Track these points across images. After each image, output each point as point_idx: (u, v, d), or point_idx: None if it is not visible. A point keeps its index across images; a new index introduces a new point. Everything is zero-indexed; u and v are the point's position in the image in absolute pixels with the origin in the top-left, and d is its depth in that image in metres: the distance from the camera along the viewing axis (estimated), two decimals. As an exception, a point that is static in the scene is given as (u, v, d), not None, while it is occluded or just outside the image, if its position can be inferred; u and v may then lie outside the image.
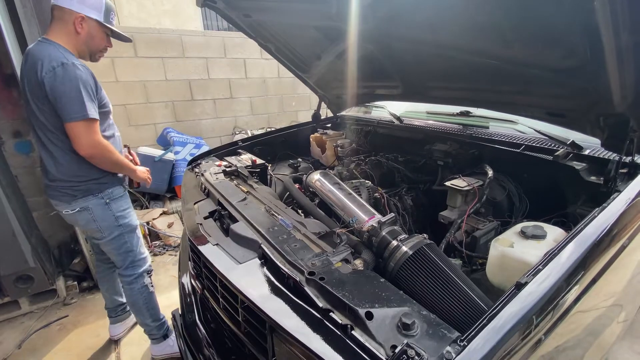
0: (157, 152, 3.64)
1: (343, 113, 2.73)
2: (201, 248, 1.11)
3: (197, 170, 1.85)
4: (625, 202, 0.96)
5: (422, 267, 0.88)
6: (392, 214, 1.05)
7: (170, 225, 3.21)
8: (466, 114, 1.73)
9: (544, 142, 1.44)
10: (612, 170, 1.08)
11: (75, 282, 2.41)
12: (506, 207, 1.40)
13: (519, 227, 0.99)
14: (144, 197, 3.60)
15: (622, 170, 1.17)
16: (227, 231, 1.16)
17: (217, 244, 1.09)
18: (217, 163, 1.86)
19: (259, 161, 1.97)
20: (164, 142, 3.94)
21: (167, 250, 3.00)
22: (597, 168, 1.26)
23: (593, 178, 1.22)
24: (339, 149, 2.30)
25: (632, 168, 1.16)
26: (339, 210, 1.23)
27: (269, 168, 2.00)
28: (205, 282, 1.14)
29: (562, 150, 1.32)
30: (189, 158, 3.88)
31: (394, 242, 0.97)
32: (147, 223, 3.11)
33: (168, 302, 2.32)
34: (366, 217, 1.10)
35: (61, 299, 2.34)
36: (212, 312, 1.29)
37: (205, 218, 1.31)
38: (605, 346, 1.05)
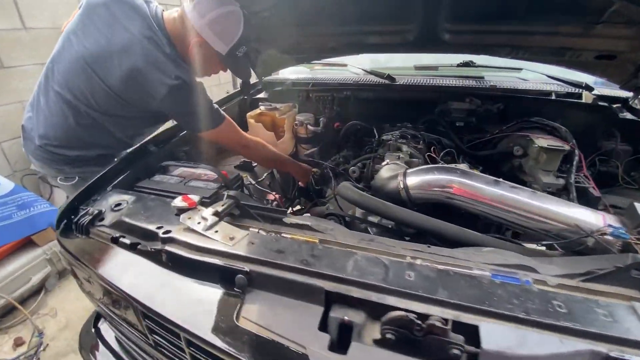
0: None
1: (273, 76, 2.00)
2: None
3: (115, 236, 0.81)
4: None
5: None
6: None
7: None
8: (470, 64, 1.53)
9: (556, 86, 1.46)
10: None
11: None
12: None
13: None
14: None
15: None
16: (342, 344, 0.50)
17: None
18: (180, 198, 0.87)
19: (229, 174, 1.12)
20: None
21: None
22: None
23: (622, 115, 1.32)
24: (308, 127, 1.66)
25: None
26: (526, 221, 0.78)
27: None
28: None
29: (587, 93, 1.35)
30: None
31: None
32: None
33: None
34: (594, 220, 0.73)
35: None
36: None
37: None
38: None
